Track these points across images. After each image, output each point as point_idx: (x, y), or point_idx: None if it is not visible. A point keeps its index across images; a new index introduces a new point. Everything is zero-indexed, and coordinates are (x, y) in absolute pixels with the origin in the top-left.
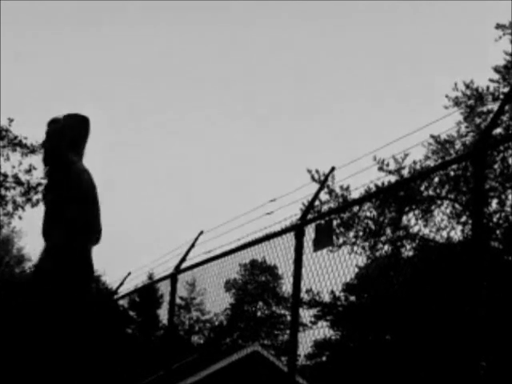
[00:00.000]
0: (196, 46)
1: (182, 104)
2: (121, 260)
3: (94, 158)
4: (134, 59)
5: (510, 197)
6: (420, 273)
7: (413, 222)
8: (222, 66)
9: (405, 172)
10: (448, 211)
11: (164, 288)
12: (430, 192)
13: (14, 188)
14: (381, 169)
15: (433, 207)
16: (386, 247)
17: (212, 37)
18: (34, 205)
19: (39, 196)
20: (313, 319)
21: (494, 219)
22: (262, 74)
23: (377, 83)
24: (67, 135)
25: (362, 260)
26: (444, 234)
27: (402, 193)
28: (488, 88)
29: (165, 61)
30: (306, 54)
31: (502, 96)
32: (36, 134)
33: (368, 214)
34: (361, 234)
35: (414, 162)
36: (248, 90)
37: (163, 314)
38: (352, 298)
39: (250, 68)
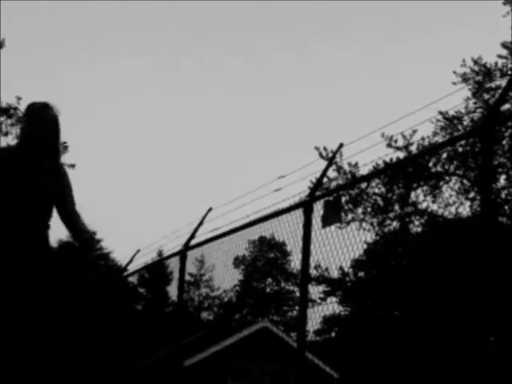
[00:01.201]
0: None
1: (195, 85)
2: (130, 237)
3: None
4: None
5: None
6: (428, 248)
7: (421, 198)
8: (228, 41)
9: (413, 148)
10: (456, 187)
11: (173, 265)
12: (439, 168)
13: None
14: (389, 145)
15: (441, 183)
16: (394, 223)
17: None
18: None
19: None
20: (322, 295)
21: (502, 195)
22: (270, 50)
23: (385, 59)
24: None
25: (370, 236)
26: (452, 209)
27: (410, 169)
28: (496, 64)
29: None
30: (313, 29)
31: (510, 72)
32: None
33: (376, 190)
34: (369, 210)
35: (422, 139)
36: (257, 66)
37: (173, 290)
38: (361, 274)
39: (256, 45)
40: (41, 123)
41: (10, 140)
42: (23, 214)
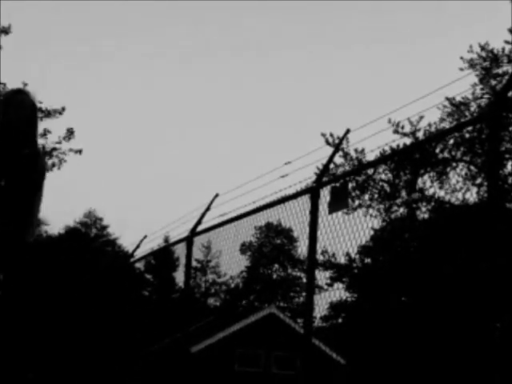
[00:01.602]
0: None
1: (199, 71)
2: (137, 223)
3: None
4: None
5: None
6: (435, 235)
7: (428, 184)
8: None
9: (420, 134)
10: (463, 173)
11: (180, 251)
12: (445, 154)
13: None
14: (396, 131)
15: (448, 169)
16: (401, 210)
17: None
18: (49, 169)
19: (54, 160)
20: (328, 281)
21: (510, 181)
22: (277, 36)
23: (392, 45)
24: None
25: (377, 222)
26: (459, 195)
27: (417, 155)
28: (503, 50)
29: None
30: (320, 16)
31: None
32: (51, 98)
33: (383, 176)
34: (376, 196)
35: (429, 125)
36: (263, 53)
37: (179, 276)
38: (367, 261)
39: (265, 32)
40: (17, 109)
41: None
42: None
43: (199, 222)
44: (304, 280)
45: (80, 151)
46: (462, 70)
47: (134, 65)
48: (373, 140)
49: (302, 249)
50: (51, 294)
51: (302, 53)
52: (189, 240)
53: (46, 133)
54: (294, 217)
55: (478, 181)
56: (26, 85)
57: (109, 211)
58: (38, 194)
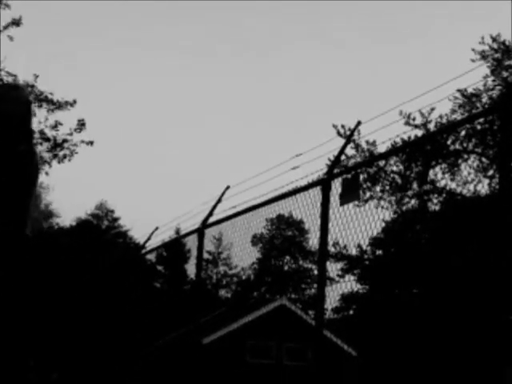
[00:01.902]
0: None
1: (211, 65)
2: (148, 215)
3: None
4: None
5: None
6: (447, 226)
7: (439, 176)
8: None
9: (431, 126)
10: (475, 165)
11: (191, 243)
12: (457, 146)
13: (40, 144)
14: (407, 123)
15: (459, 161)
16: (412, 201)
17: None
18: (60, 160)
19: (66, 152)
20: (340, 273)
21: None
22: (288, 26)
23: (403, 36)
24: None
25: (388, 214)
26: (471, 187)
27: (428, 147)
28: None
29: None
30: (329, 6)
31: None
32: (60, 89)
33: (394, 168)
34: (387, 188)
35: (441, 116)
36: (274, 45)
37: (191, 268)
38: (379, 252)
39: (275, 23)
40: (11, 105)
41: None
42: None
43: (210, 214)
44: (315, 272)
45: (91, 143)
46: (473, 61)
47: (146, 56)
48: (384, 132)
49: (313, 240)
50: (60, 289)
51: (314, 43)
52: (200, 232)
53: (57, 125)
54: (305, 209)
55: (490, 172)
56: (37, 76)
57: (120, 203)
58: (33, 191)
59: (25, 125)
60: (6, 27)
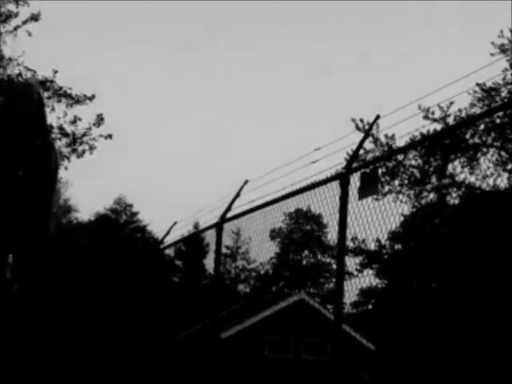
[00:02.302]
0: None
1: (230, 54)
2: (167, 210)
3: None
4: None
5: None
6: (466, 220)
7: (458, 169)
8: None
9: (450, 120)
10: (494, 159)
11: (210, 237)
12: (476, 140)
13: (59, 139)
14: (426, 117)
15: (478, 155)
16: (431, 195)
17: None
18: (79, 155)
19: (84, 147)
20: (358, 267)
21: None
22: (311, 14)
23: (422, 30)
24: None
25: (407, 208)
26: (490, 181)
27: (447, 141)
28: None
29: None
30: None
31: None
32: (78, 85)
33: (413, 162)
34: (406, 182)
35: (459, 110)
36: (293, 37)
37: (209, 263)
38: (397, 247)
39: (300, 14)
40: (26, 102)
41: (47, 113)
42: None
43: (229, 209)
44: (334, 266)
45: (110, 136)
46: (492, 55)
47: (161, 44)
48: (403, 126)
49: (331, 235)
50: (76, 285)
51: (332, 35)
52: (219, 226)
53: (76, 120)
54: (324, 203)
55: (509, 166)
56: (56, 72)
57: (139, 197)
58: (54, 185)
59: (40, 121)
60: (24, 22)
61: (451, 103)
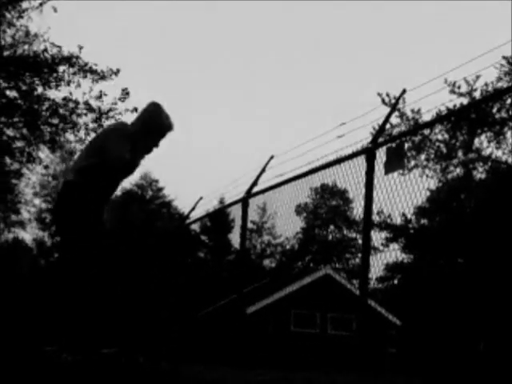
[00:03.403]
0: None
1: (256, 33)
2: (193, 185)
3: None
4: None
5: None
6: (492, 195)
7: (485, 144)
8: None
9: (476, 94)
10: None
11: (235, 212)
12: (503, 114)
13: (85, 114)
14: (452, 91)
15: (505, 129)
16: (457, 170)
17: None
18: None
19: (110, 122)
20: (384, 242)
21: None
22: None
23: (449, 5)
24: None
25: (433, 183)
26: None
27: (473, 115)
28: None
29: None
30: None
31: None
32: (104, 61)
33: (439, 136)
34: (432, 156)
35: (486, 84)
36: (320, 11)
37: (235, 238)
38: (423, 222)
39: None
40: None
41: (73, 89)
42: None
43: (255, 184)
44: (359, 241)
45: (136, 109)
46: None
47: (188, 21)
48: (429, 100)
49: (357, 210)
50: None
51: (359, 13)
52: (244, 201)
53: (101, 95)
54: (350, 178)
55: None
56: (81, 48)
57: (165, 172)
58: None
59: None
60: None
61: (477, 77)
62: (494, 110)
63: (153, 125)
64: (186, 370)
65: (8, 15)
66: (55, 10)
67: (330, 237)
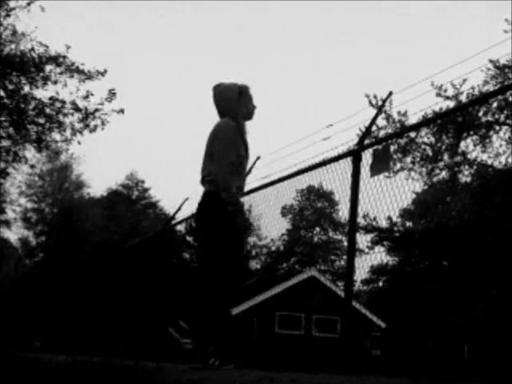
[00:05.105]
0: None
1: (249, 32)
2: (180, 186)
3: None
4: None
5: None
6: (477, 198)
7: (471, 147)
8: None
9: (463, 97)
10: (506, 136)
11: None
12: (489, 117)
13: (72, 114)
14: (438, 94)
15: (491, 133)
16: (443, 173)
17: None
18: (91, 130)
19: (97, 122)
20: (369, 244)
21: None
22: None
23: (435, 7)
24: None
25: (419, 186)
26: (502, 159)
27: (459, 118)
28: None
29: None
30: None
31: None
32: (91, 61)
33: (425, 139)
34: (418, 159)
35: (472, 88)
36: (307, 13)
37: None
38: (409, 224)
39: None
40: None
41: (60, 89)
42: None
43: None
44: (345, 243)
45: (122, 111)
46: (505, 32)
47: (176, 14)
48: (415, 103)
49: (343, 212)
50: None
51: (345, 14)
52: None
53: (88, 95)
54: (336, 180)
55: None
56: (68, 47)
57: (151, 173)
58: None
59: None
60: None
61: (464, 80)
62: (480, 114)
63: (228, 101)
64: (170, 369)
65: None
66: (43, 10)
67: (316, 239)
